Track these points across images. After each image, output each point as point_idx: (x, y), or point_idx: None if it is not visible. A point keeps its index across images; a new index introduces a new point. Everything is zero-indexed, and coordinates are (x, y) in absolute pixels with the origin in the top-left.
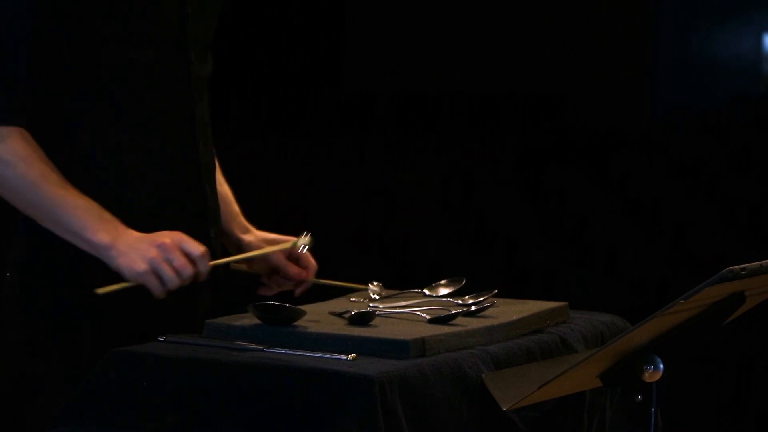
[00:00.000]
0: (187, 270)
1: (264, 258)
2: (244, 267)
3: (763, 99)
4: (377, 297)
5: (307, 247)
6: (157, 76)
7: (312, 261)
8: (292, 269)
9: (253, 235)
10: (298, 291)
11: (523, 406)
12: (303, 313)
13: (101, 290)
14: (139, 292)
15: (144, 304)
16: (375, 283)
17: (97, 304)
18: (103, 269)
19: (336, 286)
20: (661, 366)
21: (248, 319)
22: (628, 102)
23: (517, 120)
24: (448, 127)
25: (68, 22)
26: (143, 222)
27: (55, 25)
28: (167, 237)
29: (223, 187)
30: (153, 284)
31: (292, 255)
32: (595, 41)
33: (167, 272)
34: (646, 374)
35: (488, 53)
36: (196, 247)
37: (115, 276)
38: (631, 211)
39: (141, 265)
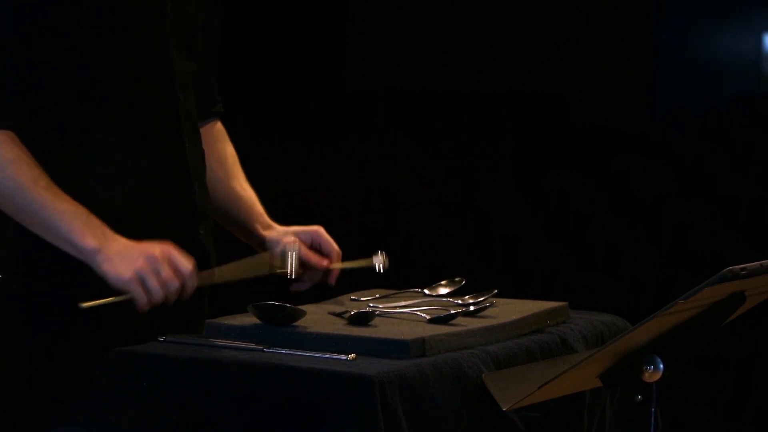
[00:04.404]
0: (174, 283)
1: (280, 250)
2: (284, 272)
3: (763, 99)
4: (381, 269)
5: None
6: (138, 74)
7: (334, 246)
8: (314, 258)
9: (275, 230)
10: (331, 280)
11: (523, 406)
12: (303, 313)
13: (86, 304)
14: (129, 301)
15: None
16: (379, 254)
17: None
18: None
19: (357, 268)
20: (661, 366)
21: (248, 319)
22: (628, 102)
23: (517, 120)
24: (448, 127)
25: (45, 22)
26: (130, 222)
27: (33, 26)
28: (157, 248)
29: (246, 191)
30: (138, 294)
31: (313, 244)
32: (595, 41)
33: (153, 283)
34: (646, 374)
35: (488, 53)
36: (185, 263)
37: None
38: (631, 211)
39: (127, 273)
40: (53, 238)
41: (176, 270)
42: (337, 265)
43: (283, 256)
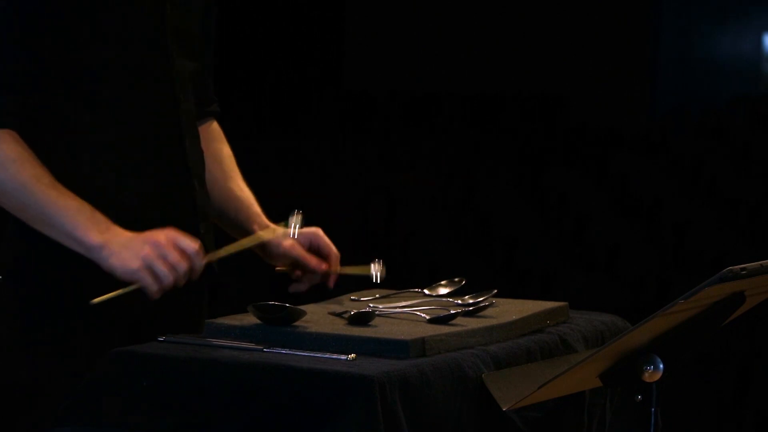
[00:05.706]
0: (182, 265)
1: (280, 252)
2: (284, 269)
3: (763, 99)
4: (378, 278)
5: (298, 226)
6: (137, 74)
7: (333, 250)
8: (312, 261)
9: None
10: (330, 283)
11: (523, 406)
12: (303, 313)
13: (96, 300)
14: (139, 291)
15: (144, 304)
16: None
17: (95, 305)
18: (97, 268)
19: (357, 275)
20: (661, 366)
21: (248, 319)
22: (628, 102)
23: (517, 120)
24: (448, 127)
25: (46, 22)
26: (131, 221)
27: (34, 25)
28: (160, 234)
29: (244, 191)
30: (148, 282)
31: (312, 246)
32: (595, 41)
33: (161, 268)
34: (646, 374)
35: (488, 53)
36: (190, 243)
37: (109, 277)
38: (631, 211)
39: (135, 263)
40: (58, 236)
41: (182, 252)
42: (335, 270)
43: (287, 224)
